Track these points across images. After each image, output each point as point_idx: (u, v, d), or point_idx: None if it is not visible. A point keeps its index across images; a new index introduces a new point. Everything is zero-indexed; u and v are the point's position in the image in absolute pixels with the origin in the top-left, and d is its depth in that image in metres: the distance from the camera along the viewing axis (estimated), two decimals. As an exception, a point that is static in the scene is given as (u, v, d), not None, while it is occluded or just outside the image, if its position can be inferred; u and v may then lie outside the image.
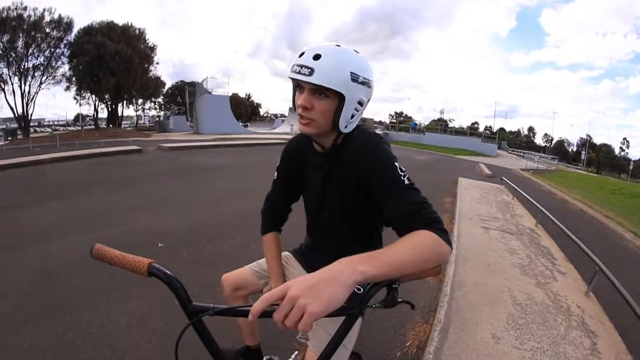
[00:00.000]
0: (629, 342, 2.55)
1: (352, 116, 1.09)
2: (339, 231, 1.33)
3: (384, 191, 1.02)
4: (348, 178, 1.15)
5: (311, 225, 1.46)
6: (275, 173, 1.43)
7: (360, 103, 1.09)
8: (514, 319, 2.72)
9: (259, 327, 1.70)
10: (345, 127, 1.10)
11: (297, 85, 1.08)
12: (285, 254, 1.58)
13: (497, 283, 3.37)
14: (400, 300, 0.83)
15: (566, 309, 2.99)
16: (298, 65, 1.01)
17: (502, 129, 66.54)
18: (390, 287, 0.81)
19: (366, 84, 1.08)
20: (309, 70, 0.99)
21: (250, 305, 0.66)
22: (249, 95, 75.38)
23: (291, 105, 1.16)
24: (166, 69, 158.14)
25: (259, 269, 1.54)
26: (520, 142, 65.96)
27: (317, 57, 0.99)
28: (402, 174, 1.02)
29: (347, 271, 0.70)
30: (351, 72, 1.02)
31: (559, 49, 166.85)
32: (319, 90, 1.03)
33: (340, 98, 1.04)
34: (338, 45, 1.05)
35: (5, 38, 29.32)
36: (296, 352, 1.23)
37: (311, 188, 1.33)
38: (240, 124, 39.19)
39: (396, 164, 1.04)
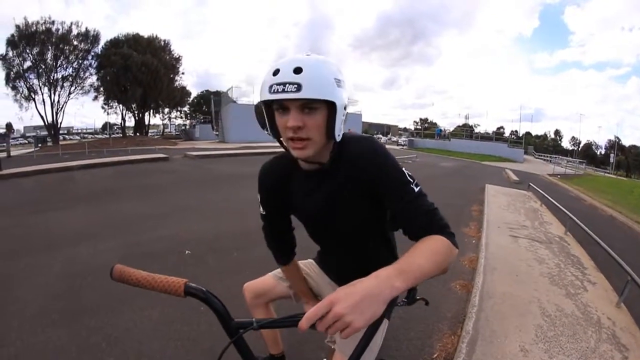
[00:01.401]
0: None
1: (342, 122, 1.02)
2: (352, 243, 1.27)
3: (397, 202, 1.02)
4: (356, 190, 1.09)
5: (318, 243, 1.43)
6: (261, 208, 1.33)
7: (345, 107, 1.01)
8: (543, 331, 2.63)
9: (283, 335, 1.72)
10: (338, 135, 1.02)
11: (279, 107, 0.98)
12: (308, 261, 1.60)
13: (526, 293, 3.27)
14: (418, 298, 0.93)
15: (596, 320, 2.88)
16: (279, 84, 0.92)
17: (528, 133, 65.39)
18: (412, 287, 0.86)
19: (345, 87, 1.00)
20: (296, 85, 0.90)
21: (293, 315, 0.74)
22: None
23: (268, 132, 1.07)
24: (191, 78, 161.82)
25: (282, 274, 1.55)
26: (547, 146, 64.27)
27: (298, 70, 0.91)
28: (411, 180, 1.02)
29: (386, 289, 0.74)
30: (335, 78, 0.96)
31: (584, 47, 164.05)
32: (307, 105, 0.95)
33: (328, 107, 0.97)
34: (308, 55, 0.98)
35: (35, 51, 30.66)
36: (324, 359, 1.24)
37: (310, 211, 1.24)
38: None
39: (404, 170, 1.04)
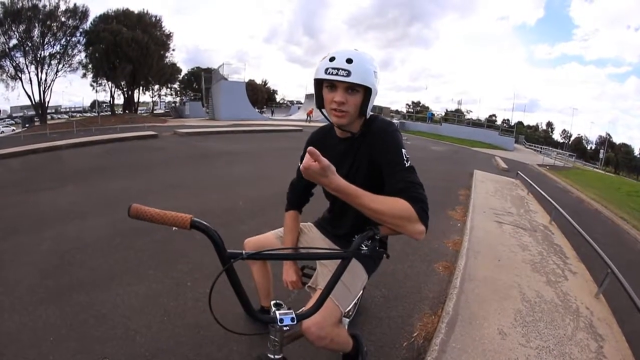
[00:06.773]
0: (635, 349, 2.50)
1: (371, 104, 1.35)
2: None
3: (388, 170, 1.30)
4: (370, 157, 1.40)
5: (332, 202, 1.72)
6: (300, 162, 1.58)
7: (376, 93, 1.33)
8: (521, 316, 2.71)
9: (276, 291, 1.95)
10: (369, 113, 1.38)
11: (329, 85, 1.31)
12: (307, 224, 1.93)
13: (507, 278, 3.35)
14: (380, 249, 1.14)
15: (575, 309, 2.95)
16: (333, 69, 1.24)
17: (520, 123, 65.27)
18: (373, 238, 1.12)
19: (379, 77, 1.32)
20: (347, 72, 1.22)
21: (277, 248, 1.15)
22: (265, 82, 75.09)
23: (315, 102, 1.41)
24: (181, 55, 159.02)
25: (283, 234, 1.82)
26: (538, 137, 64.28)
27: (349, 60, 1.23)
28: (406, 158, 1.29)
29: (325, 172, 1.08)
30: (373, 71, 1.28)
31: (587, 42, 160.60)
32: (352, 87, 1.27)
33: (366, 91, 1.29)
34: (356, 50, 1.29)
35: (21, 28, 29.72)
36: (303, 308, 1.34)
37: (337, 167, 1.49)
38: (257, 110, 39.20)
39: (403, 150, 1.31)
